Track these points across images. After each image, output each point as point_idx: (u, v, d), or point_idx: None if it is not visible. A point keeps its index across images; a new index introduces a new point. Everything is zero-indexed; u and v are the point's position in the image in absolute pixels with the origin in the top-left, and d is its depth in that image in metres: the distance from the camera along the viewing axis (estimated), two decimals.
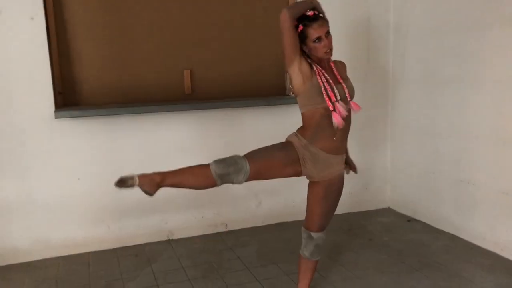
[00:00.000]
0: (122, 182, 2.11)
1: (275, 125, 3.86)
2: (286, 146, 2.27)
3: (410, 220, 3.99)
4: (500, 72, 3.15)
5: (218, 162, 2.15)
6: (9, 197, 3.29)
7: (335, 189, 2.36)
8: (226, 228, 3.85)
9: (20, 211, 3.33)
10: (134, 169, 3.47)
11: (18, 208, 3.32)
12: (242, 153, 2.23)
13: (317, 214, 2.37)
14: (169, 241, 3.65)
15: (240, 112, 3.80)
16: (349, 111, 2.25)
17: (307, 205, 2.43)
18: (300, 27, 2.15)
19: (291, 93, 4.01)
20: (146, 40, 3.62)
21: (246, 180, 2.18)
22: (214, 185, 2.16)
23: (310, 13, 2.14)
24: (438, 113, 3.69)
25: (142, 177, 2.14)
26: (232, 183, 2.17)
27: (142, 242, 3.60)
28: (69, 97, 3.50)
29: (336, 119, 2.14)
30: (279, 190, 3.95)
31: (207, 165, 2.15)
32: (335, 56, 2.36)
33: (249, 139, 3.83)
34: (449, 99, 3.58)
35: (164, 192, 3.60)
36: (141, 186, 2.13)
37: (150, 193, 2.16)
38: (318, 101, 2.16)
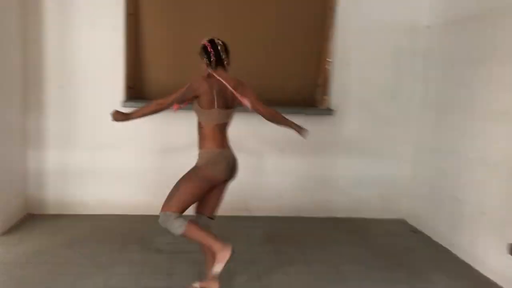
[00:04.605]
0: None
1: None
2: None
3: (415, 231, 4.35)
4: (489, 103, 3.48)
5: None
6: (84, 163, 4.35)
7: None
8: (249, 212, 4.57)
9: (92, 175, 4.37)
10: (181, 149, 4.37)
11: (90, 172, 4.36)
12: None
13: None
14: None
15: None
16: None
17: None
18: None
19: (320, 106, 4.61)
20: None
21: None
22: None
23: None
24: (445, 136, 4.05)
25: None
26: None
27: None
28: (138, 92, 4.48)
29: None
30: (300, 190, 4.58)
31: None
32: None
33: (276, 144, 4.52)
34: (453, 124, 3.93)
35: None
36: None
37: None
38: None
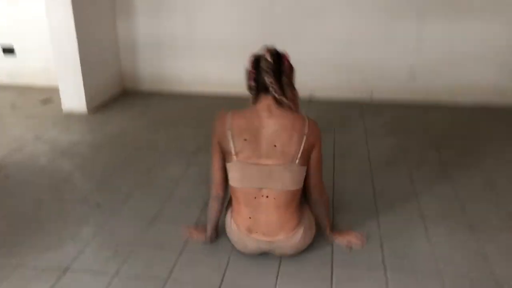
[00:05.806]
0: None
1: None
2: None
3: None
4: None
5: None
6: (177, 33, 3.77)
7: None
8: (371, 95, 3.66)
9: (186, 47, 3.79)
10: (282, 26, 3.54)
11: (184, 44, 3.79)
12: None
13: None
14: (310, 101, 3.61)
15: None
16: None
17: None
18: None
19: None
20: None
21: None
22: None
23: None
24: None
25: None
26: None
27: None
28: None
29: None
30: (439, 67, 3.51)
31: None
32: None
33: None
34: None
35: (310, 51, 3.56)
36: None
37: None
38: None
